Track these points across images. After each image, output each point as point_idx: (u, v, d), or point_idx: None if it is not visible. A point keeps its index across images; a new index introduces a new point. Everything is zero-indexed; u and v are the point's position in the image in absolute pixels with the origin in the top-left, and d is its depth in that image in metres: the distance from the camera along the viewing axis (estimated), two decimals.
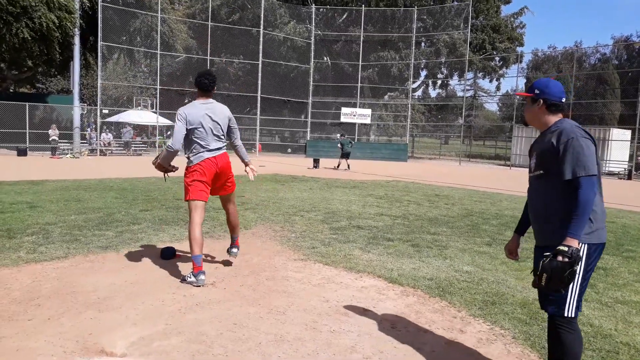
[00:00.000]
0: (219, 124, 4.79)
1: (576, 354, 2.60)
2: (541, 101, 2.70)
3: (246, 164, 5.15)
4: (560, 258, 2.41)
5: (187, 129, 4.65)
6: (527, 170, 2.88)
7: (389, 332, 3.64)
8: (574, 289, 2.53)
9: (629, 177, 25.47)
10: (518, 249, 3.06)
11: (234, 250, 5.13)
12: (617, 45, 47.90)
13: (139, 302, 4.02)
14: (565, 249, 2.41)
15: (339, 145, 22.96)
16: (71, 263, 5.08)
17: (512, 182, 18.12)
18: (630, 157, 28.27)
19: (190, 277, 4.57)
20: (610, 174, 26.83)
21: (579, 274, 2.52)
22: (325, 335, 3.55)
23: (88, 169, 17.06)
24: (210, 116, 4.72)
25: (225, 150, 4.93)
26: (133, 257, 5.43)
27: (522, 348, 3.44)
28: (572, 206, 2.46)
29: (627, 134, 29.51)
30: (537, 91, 2.71)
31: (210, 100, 4.85)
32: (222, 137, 4.89)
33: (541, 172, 2.68)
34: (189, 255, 4.78)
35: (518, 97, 34.98)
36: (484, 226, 8.17)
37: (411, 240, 6.83)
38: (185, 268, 5.04)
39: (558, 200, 2.58)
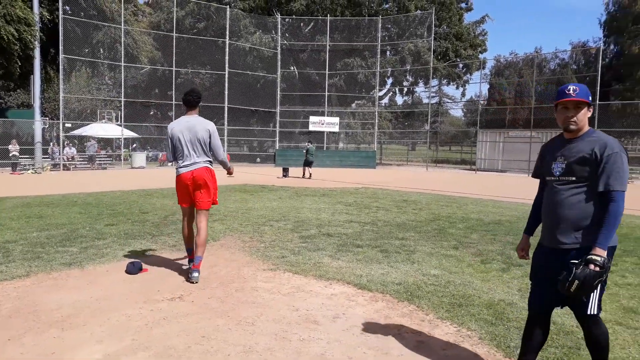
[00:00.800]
0: (198, 138, 5.09)
1: (606, 346, 2.78)
2: (591, 108, 2.80)
3: (227, 170, 5.62)
4: (592, 267, 2.52)
5: (171, 141, 5.17)
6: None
7: (359, 338, 3.66)
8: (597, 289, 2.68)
9: None
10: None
11: (195, 274, 4.99)
12: (574, 51, 49.47)
13: (104, 319, 3.94)
14: (598, 258, 2.53)
15: (304, 151, 23.10)
16: (33, 281, 4.94)
17: (478, 186, 18.48)
18: None
19: None
20: None
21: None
22: (295, 344, 3.54)
23: (51, 185, 16.61)
24: (189, 130, 5.08)
25: (205, 165, 5.12)
26: (98, 272, 5.31)
27: (488, 348, 3.51)
28: (603, 217, 2.59)
29: None
30: (590, 98, 2.77)
31: (195, 115, 5.23)
32: (203, 151, 5.15)
33: (572, 178, 2.73)
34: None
35: (483, 102, 35.74)
36: (451, 230, 8.31)
37: (380, 245, 6.89)
38: (152, 282, 4.97)
39: (584, 207, 2.68)
